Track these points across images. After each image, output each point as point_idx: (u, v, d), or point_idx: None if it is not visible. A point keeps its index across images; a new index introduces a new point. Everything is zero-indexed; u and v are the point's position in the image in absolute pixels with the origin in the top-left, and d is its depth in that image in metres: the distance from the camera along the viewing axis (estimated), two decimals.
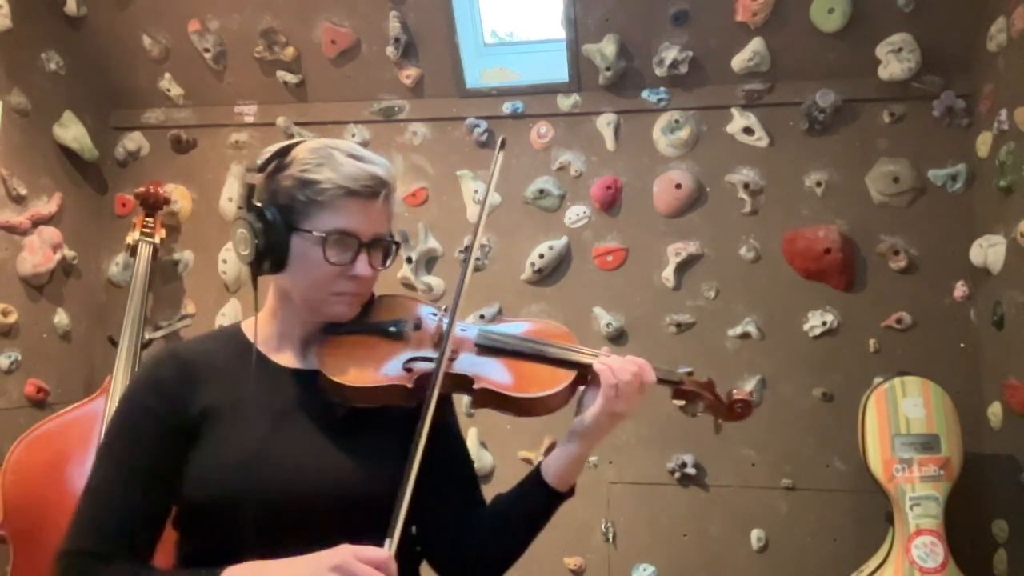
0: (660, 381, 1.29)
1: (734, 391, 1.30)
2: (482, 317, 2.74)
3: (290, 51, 2.85)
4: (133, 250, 2.73)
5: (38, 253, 2.74)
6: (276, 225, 1.17)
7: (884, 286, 2.58)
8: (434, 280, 2.82)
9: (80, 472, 2.30)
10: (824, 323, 2.58)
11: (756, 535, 2.59)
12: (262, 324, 1.26)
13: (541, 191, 2.77)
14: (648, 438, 2.64)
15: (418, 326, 1.26)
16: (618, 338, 2.70)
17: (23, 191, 2.71)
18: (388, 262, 1.26)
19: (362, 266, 1.19)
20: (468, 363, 1.23)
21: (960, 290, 2.53)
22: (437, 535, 1.27)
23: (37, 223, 2.76)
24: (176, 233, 3.01)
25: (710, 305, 2.68)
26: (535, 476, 1.23)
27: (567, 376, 1.23)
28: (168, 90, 3.00)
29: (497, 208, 2.82)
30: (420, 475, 1.10)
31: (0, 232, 2.65)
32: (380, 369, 1.19)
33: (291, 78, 2.89)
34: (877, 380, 2.43)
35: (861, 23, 2.51)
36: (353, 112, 2.91)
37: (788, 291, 2.63)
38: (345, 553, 1.03)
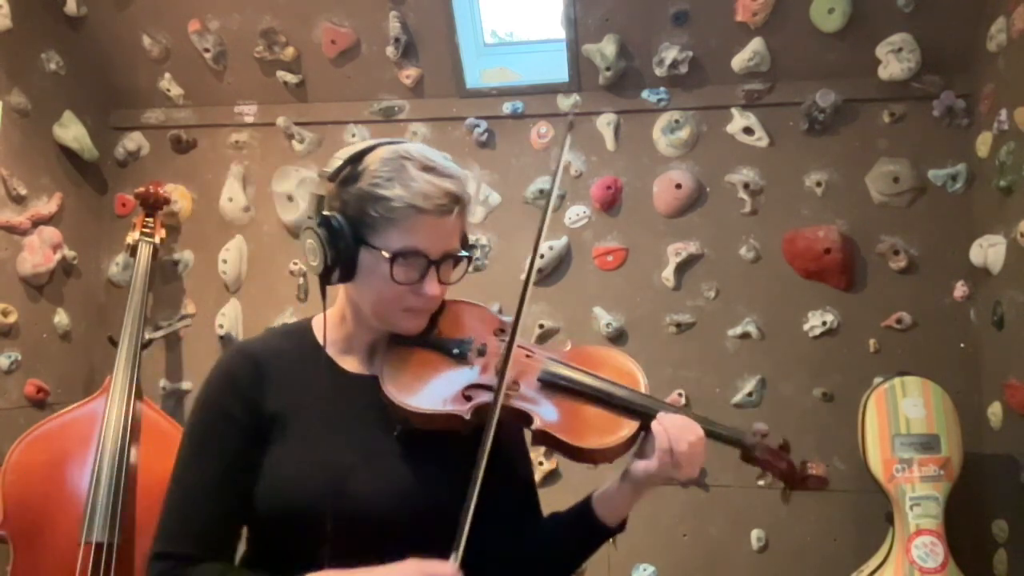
0: (722, 440, 1.24)
1: (809, 464, 1.23)
2: None
3: (290, 51, 2.85)
4: (133, 250, 2.73)
5: (38, 253, 2.74)
6: (345, 237, 1.14)
7: (884, 286, 2.58)
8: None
9: (80, 472, 2.30)
10: (824, 323, 2.58)
11: (756, 535, 2.59)
12: (332, 327, 1.25)
13: (541, 191, 2.77)
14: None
15: (482, 351, 1.23)
16: (618, 338, 2.70)
17: (23, 191, 2.71)
18: (461, 274, 1.23)
19: (431, 286, 1.17)
20: (529, 399, 1.19)
21: (960, 290, 2.53)
22: (493, 546, 1.26)
23: (37, 223, 2.76)
24: (176, 233, 3.01)
25: (710, 305, 2.68)
26: (585, 508, 1.23)
27: (631, 427, 1.18)
28: (168, 90, 3.00)
29: (497, 208, 2.82)
30: (484, 489, 1.09)
31: (0, 232, 2.65)
32: (438, 394, 1.17)
33: (291, 78, 2.89)
34: (877, 380, 2.43)
35: (861, 23, 2.51)
36: (353, 112, 2.91)
37: (788, 291, 2.63)
38: (413, 568, 1.04)
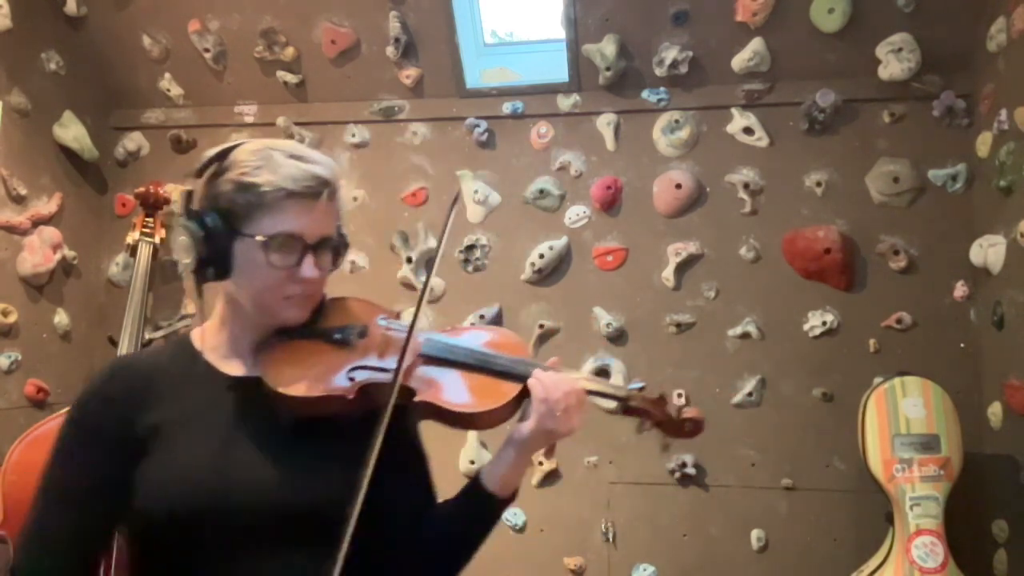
0: (601, 395, 1.26)
1: (685, 409, 1.24)
2: (482, 317, 2.74)
3: (290, 51, 2.85)
4: (133, 250, 2.73)
5: (38, 253, 2.74)
6: (217, 231, 1.13)
7: (884, 286, 2.58)
8: (434, 280, 2.82)
9: None
10: (824, 323, 2.58)
11: (756, 535, 2.59)
12: (212, 333, 1.23)
13: (541, 191, 2.77)
14: (648, 438, 2.63)
15: (363, 334, 1.21)
16: (618, 338, 2.70)
17: (23, 191, 2.71)
18: (338, 262, 1.22)
19: (308, 268, 1.15)
20: (411, 374, 1.19)
21: (960, 290, 2.53)
22: (387, 541, 1.24)
23: (37, 223, 2.76)
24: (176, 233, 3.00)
25: (710, 305, 2.68)
26: (474, 483, 1.21)
27: (511, 390, 1.19)
28: (168, 90, 3.00)
29: (497, 208, 2.82)
30: (373, 483, 1.08)
31: (0, 232, 2.65)
32: (322, 379, 1.16)
33: (291, 78, 2.89)
34: (877, 380, 2.43)
35: (861, 23, 2.51)
36: (353, 112, 2.91)
37: (788, 291, 2.63)
38: None
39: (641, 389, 1.24)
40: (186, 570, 1.13)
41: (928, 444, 2.25)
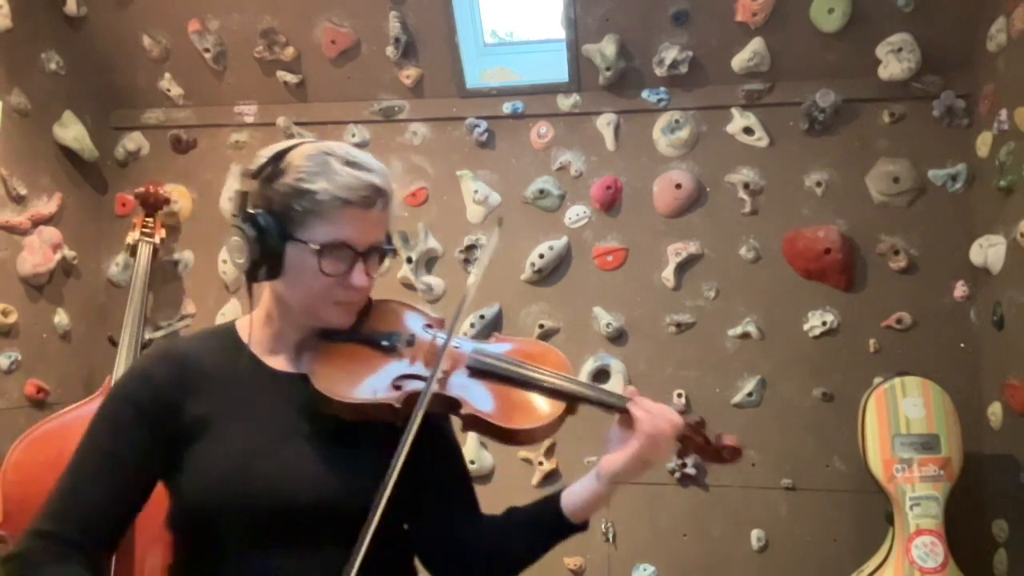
0: None
1: (724, 436, 1.24)
2: (482, 317, 2.74)
3: (290, 51, 2.85)
4: (133, 250, 2.73)
5: (38, 253, 2.74)
6: (271, 233, 1.15)
7: (884, 286, 2.58)
8: (434, 280, 2.82)
9: None
10: (824, 323, 2.58)
11: (756, 535, 2.59)
12: (257, 326, 1.25)
13: (541, 191, 2.77)
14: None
15: (411, 341, 1.23)
16: (618, 338, 2.70)
17: (23, 191, 2.71)
18: (386, 268, 1.25)
19: (358, 276, 1.17)
20: (458, 385, 1.20)
21: (960, 290, 2.53)
22: (435, 546, 1.27)
23: (37, 223, 2.76)
24: (176, 233, 3.01)
25: (710, 305, 2.68)
26: (553, 504, 1.21)
27: (557, 409, 1.20)
28: (168, 90, 3.00)
29: (497, 208, 2.82)
30: (411, 485, 1.10)
31: (0, 232, 2.65)
32: (369, 385, 1.17)
33: (291, 78, 2.89)
34: (877, 380, 2.43)
35: (861, 23, 2.51)
36: (353, 112, 2.91)
37: (788, 291, 2.63)
38: None
39: (682, 413, 1.23)
40: (222, 560, 1.14)
41: (928, 444, 2.25)
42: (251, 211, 1.17)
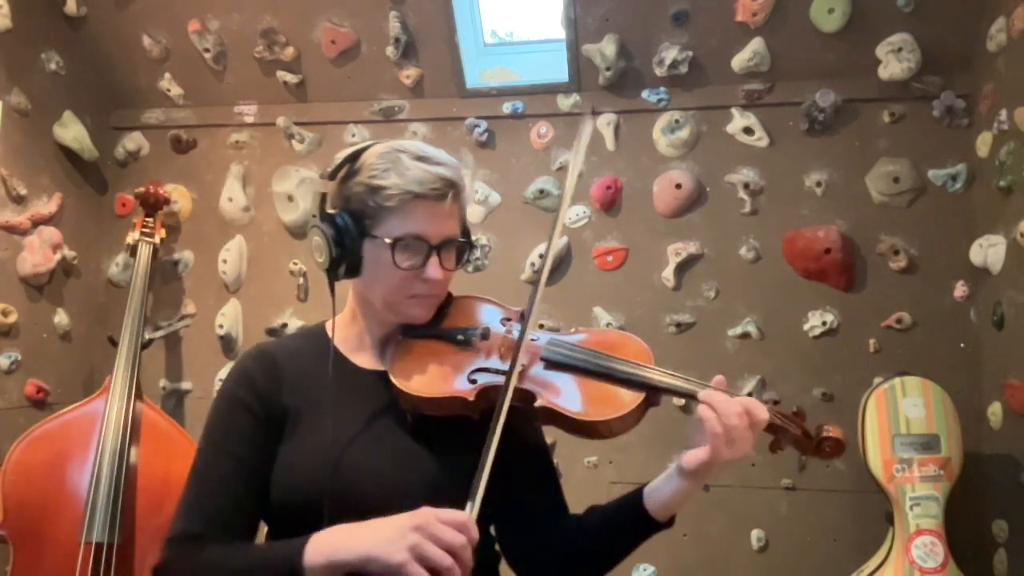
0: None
1: (825, 427, 1.19)
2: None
3: (290, 51, 2.85)
4: (133, 250, 2.73)
5: (38, 253, 2.74)
6: (348, 232, 1.19)
7: (884, 286, 2.58)
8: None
9: (80, 472, 2.30)
10: (824, 323, 2.58)
11: (756, 535, 2.59)
12: (344, 325, 1.30)
13: (541, 191, 2.77)
14: (648, 438, 2.64)
15: (486, 335, 1.25)
16: None
17: (23, 191, 2.71)
18: (462, 262, 1.27)
19: (433, 269, 1.20)
20: (533, 377, 1.20)
21: (960, 290, 2.53)
22: (519, 541, 1.28)
23: (37, 223, 2.76)
24: (176, 233, 3.01)
25: (710, 305, 2.68)
26: (635, 501, 1.21)
27: (634, 399, 1.18)
28: (168, 90, 3.00)
29: (497, 208, 2.82)
30: (498, 483, 1.10)
31: (0, 232, 2.65)
32: (445, 379, 1.19)
33: (291, 78, 2.89)
34: (877, 380, 2.43)
35: (861, 23, 2.51)
36: (353, 112, 2.91)
37: (788, 291, 2.63)
38: (426, 514, 1.04)
39: (777, 403, 1.20)
40: None
41: (928, 444, 2.26)
42: (329, 211, 1.21)
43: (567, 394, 1.19)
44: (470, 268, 2.80)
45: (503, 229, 2.81)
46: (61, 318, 2.85)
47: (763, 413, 1.14)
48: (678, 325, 2.68)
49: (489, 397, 1.16)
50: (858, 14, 2.49)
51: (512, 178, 2.82)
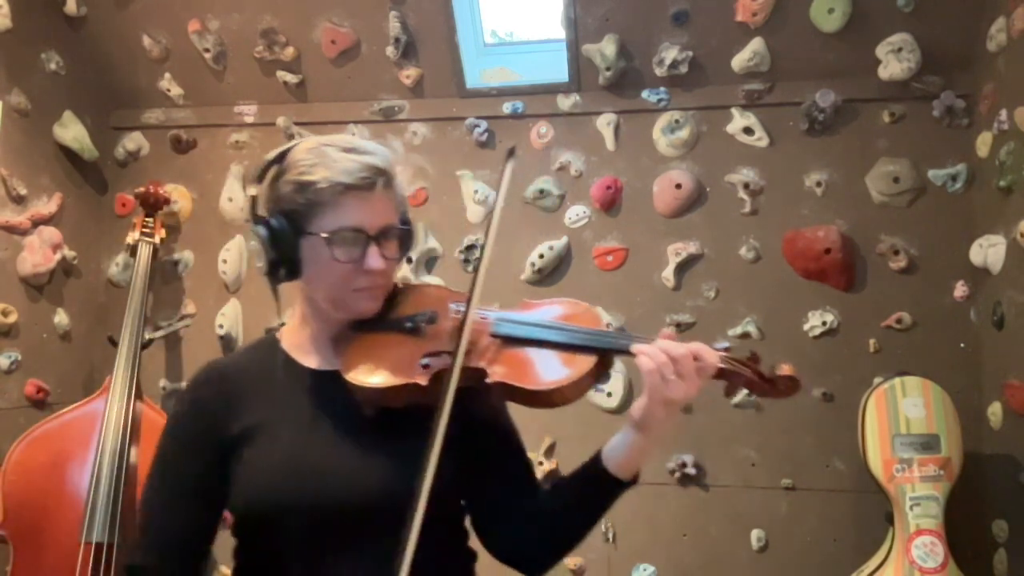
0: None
1: (778, 365, 1.16)
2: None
3: (290, 51, 2.85)
4: (133, 250, 2.73)
5: (38, 253, 2.74)
6: (283, 232, 1.16)
7: (884, 286, 2.58)
8: (434, 280, 2.82)
9: (80, 472, 2.30)
10: (824, 323, 2.58)
11: (756, 535, 2.59)
12: (294, 331, 1.28)
13: (541, 191, 2.77)
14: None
15: (433, 320, 1.23)
16: None
17: (23, 191, 2.71)
18: (405, 250, 1.25)
19: (373, 259, 1.17)
20: (482, 354, 1.18)
21: (960, 290, 2.53)
22: (493, 523, 1.27)
23: (37, 223, 2.76)
24: (176, 233, 3.01)
25: (710, 305, 2.68)
26: (596, 464, 1.19)
27: (586, 363, 1.15)
28: (168, 90, 3.00)
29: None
30: (461, 463, 1.10)
31: (0, 232, 2.65)
32: (396, 368, 1.17)
33: (291, 78, 2.89)
34: (877, 380, 2.43)
35: (861, 23, 2.51)
36: (353, 112, 2.91)
37: (788, 291, 2.63)
38: None
39: (727, 349, 1.18)
40: (279, 564, 1.16)
41: (928, 444, 2.25)
42: (261, 214, 1.19)
43: (519, 367, 1.17)
44: (470, 268, 2.80)
45: (502, 229, 2.76)
46: (61, 318, 2.85)
47: (712, 357, 1.13)
48: (678, 325, 2.68)
49: (444, 381, 1.14)
50: (858, 14, 2.49)
51: (512, 178, 2.80)
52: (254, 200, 1.20)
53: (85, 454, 2.32)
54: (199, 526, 1.21)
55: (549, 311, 1.27)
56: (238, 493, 1.17)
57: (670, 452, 2.63)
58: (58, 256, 2.80)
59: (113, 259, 3.05)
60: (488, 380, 1.16)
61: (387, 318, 1.24)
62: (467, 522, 1.29)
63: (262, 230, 1.17)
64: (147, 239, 2.73)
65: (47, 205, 2.80)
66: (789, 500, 2.59)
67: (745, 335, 2.64)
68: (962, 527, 2.31)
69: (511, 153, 1.31)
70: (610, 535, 2.65)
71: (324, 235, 1.15)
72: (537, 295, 2.74)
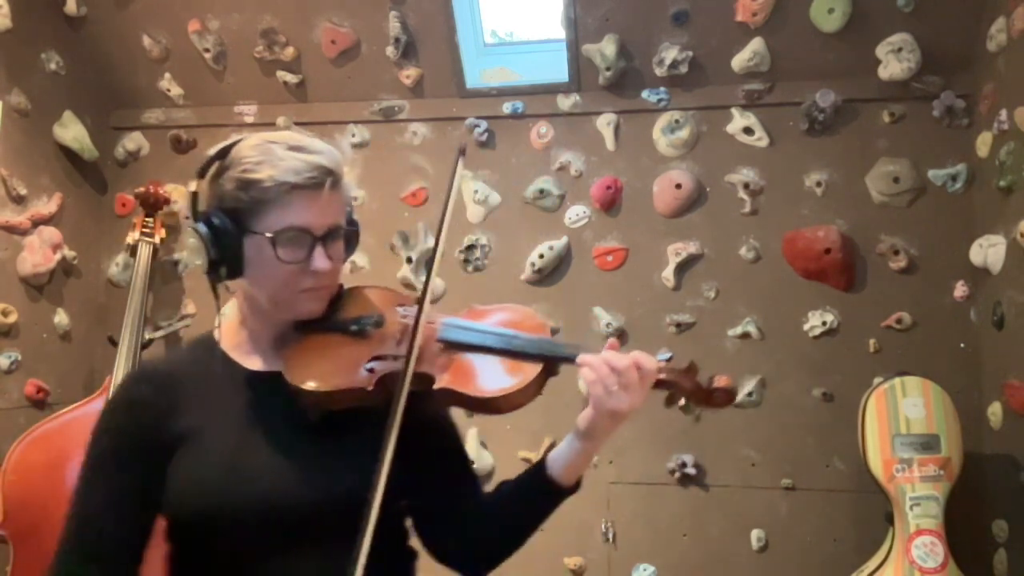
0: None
1: (716, 377, 1.18)
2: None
3: (290, 51, 2.85)
4: (133, 250, 2.73)
5: (38, 253, 2.74)
6: (226, 231, 1.13)
7: (884, 286, 2.58)
8: (434, 280, 2.81)
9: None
10: (824, 323, 2.58)
11: (756, 535, 2.59)
12: (233, 330, 1.24)
13: (541, 191, 2.77)
14: (648, 438, 2.64)
15: (379, 323, 1.20)
16: (618, 338, 2.70)
17: (23, 191, 2.71)
18: (351, 251, 1.22)
19: (320, 260, 1.14)
20: (429, 360, 1.17)
21: (960, 290, 2.53)
22: (433, 524, 1.26)
23: (37, 223, 2.76)
24: (176, 233, 3.01)
25: (710, 305, 2.68)
26: (538, 469, 1.19)
27: (532, 370, 1.15)
28: (168, 90, 3.00)
29: (497, 208, 2.82)
30: (405, 468, 1.08)
31: (0, 232, 2.65)
32: (341, 372, 1.15)
33: (291, 78, 2.89)
34: (877, 380, 2.43)
35: (861, 23, 2.51)
36: (353, 112, 2.91)
37: (788, 291, 2.63)
38: None
39: (669, 360, 1.18)
40: (215, 569, 1.13)
41: (928, 444, 2.25)
42: (203, 210, 1.15)
43: (466, 373, 1.16)
44: (470, 268, 2.80)
45: (503, 229, 2.81)
46: (61, 318, 2.85)
47: (651, 364, 1.13)
48: (678, 325, 2.68)
49: (388, 385, 1.12)
50: (858, 14, 2.49)
51: (512, 178, 2.81)
52: (195, 196, 1.17)
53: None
54: (138, 530, 1.16)
55: (495, 317, 1.26)
56: (173, 496, 1.13)
57: (670, 452, 2.64)
58: (58, 256, 2.80)
59: (113, 259, 3.05)
60: (435, 386, 1.15)
61: (332, 320, 1.21)
62: (407, 522, 1.27)
63: (203, 227, 1.13)
64: (147, 239, 2.73)
65: (47, 205, 2.80)
66: (789, 500, 2.59)
67: (745, 335, 2.64)
68: (962, 527, 2.31)
69: (462, 152, 1.28)
70: (610, 535, 2.65)
71: (269, 235, 1.12)
72: (537, 295, 2.75)
